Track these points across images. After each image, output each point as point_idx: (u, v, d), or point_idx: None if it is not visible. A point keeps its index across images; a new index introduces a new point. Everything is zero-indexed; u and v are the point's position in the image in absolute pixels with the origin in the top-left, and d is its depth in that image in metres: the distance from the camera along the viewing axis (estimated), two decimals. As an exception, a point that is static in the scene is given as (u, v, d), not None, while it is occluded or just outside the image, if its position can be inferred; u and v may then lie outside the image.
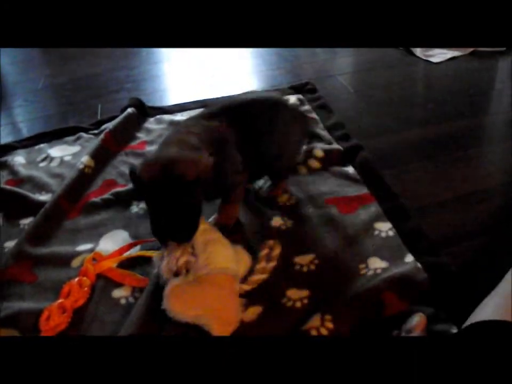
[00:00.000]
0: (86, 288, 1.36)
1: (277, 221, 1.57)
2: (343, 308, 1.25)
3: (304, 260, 1.42)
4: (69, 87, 2.69)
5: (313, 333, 1.19)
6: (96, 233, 1.59)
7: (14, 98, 2.63)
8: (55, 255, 1.52)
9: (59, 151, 2.05)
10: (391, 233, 1.49)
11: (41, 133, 2.19)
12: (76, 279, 1.38)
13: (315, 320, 1.22)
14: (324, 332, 1.19)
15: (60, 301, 1.32)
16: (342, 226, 1.52)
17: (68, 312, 1.30)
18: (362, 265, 1.39)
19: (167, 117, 2.22)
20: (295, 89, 2.40)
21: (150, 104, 2.36)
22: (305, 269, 1.39)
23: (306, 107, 2.22)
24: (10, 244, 1.58)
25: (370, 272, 1.35)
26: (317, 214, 1.58)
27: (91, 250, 1.52)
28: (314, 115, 2.14)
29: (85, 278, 1.38)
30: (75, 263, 1.48)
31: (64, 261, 1.49)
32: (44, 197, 1.76)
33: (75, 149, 2.05)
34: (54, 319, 1.27)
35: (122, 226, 1.61)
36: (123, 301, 1.34)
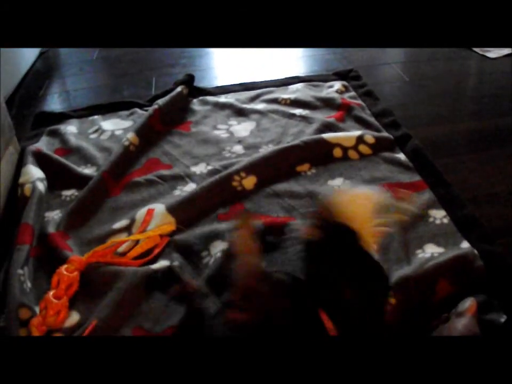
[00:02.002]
0: (75, 273, 1.28)
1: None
2: (399, 288, 1.19)
3: (360, 243, 1.36)
4: (124, 59, 2.64)
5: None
6: (134, 211, 1.52)
7: (69, 67, 2.60)
8: (93, 233, 1.48)
9: (111, 125, 2.00)
10: (445, 220, 1.42)
11: (97, 105, 2.14)
12: (62, 267, 1.29)
13: None
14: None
15: (52, 292, 1.24)
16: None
17: (64, 300, 1.23)
18: (419, 250, 1.32)
19: (211, 99, 2.14)
20: (339, 76, 2.31)
21: (202, 80, 2.32)
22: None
23: (352, 93, 2.14)
24: (50, 214, 1.54)
25: (428, 255, 1.29)
26: (371, 199, 1.53)
27: (127, 227, 1.47)
28: (360, 101, 2.06)
29: (69, 264, 1.30)
30: (109, 241, 1.41)
31: (99, 239, 1.45)
32: (88, 170, 1.72)
33: (127, 123, 1.99)
34: (52, 307, 1.20)
35: (162, 202, 1.53)
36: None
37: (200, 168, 1.70)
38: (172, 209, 1.48)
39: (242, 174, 1.61)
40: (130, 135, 1.82)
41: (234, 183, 1.58)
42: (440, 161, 1.68)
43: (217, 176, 1.59)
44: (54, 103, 2.27)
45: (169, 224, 1.44)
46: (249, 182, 1.60)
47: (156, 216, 1.47)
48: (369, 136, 1.76)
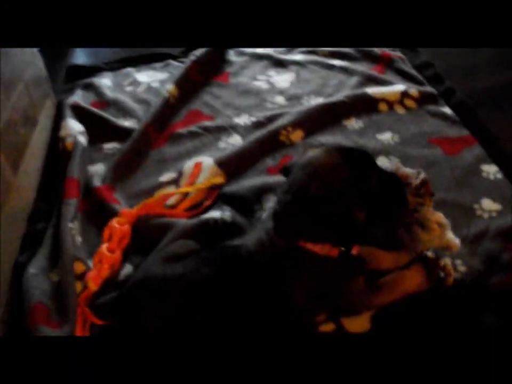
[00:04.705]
0: (126, 226, 1.25)
1: (382, 161, 1.46)
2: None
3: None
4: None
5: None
6: (180, 164, 1.50)
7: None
8: (140, 185, 1.46)
9: (146, 77, 1.94)
10: (499, 176, 1.38)
11: (129, 57, 2.07)
12: (113, 220, 1.27)
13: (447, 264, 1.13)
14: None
15: (105, 245, 1.22)
16: (448, 167, 1.41)
17: (117, 253, 1.21)
18: (476, 206, 1.29)
19: (247, 49, 2.05)
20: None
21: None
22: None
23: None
24: (93, 168, 1.51)
25: (486, 215, 1.26)
26: (421, 153, 1.47)
27: (174, 180, 1.45)
28: (400, 53, 1.97)
29: (120, 217, 1.28)
30: (157, 194, 1.39)
31: (146, 191, 1.43)
32: (128, 123, 1.68)
33: (163, 75, 1.94)
34: (106, 260, 1.18)
35: (208, 155, 1.51)
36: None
37: (243, 120, 1.67)
38: (220, 163, 1.45)
39: (289, 129, 1.57)
40: (170, 87, 1.77)
41: (282, 137, 1.55)
42: (483, 113, 1.63)
43: (264, 131, 1.56)
44: (84, 56, 2.21)
45: (219, 177, 1.41)
46: (297, 135, 1.57)
47: (204, 169, 1.44)
48: (414, 90, 1.71)
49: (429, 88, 1.75)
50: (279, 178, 1.36)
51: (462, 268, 1.13)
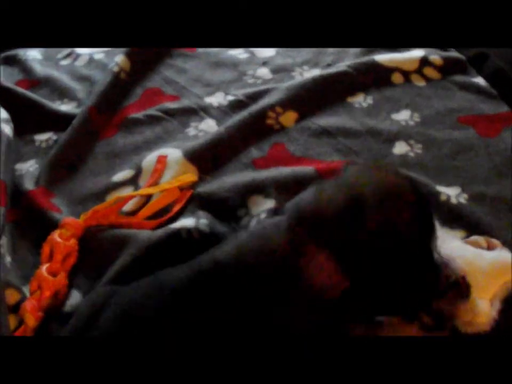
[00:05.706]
0: (71, 241, 1.24)
1: (401, 147, 1.47)
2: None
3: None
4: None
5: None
6: (138, 158, 1.49)
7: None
8: (86, 187, 1.45)
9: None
10: (554, 165, 1.39)
11: (64, 22, 2.10)
12: (55, 234, 1.26)
13: None
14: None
15: (44, 266, 1.21)
16: (485, 153, 1.43)
17: (61, 276, 1.19)
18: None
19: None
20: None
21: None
22: (454, 200, 1.30)
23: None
24: (23, 166, 1.51)
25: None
26: (450, 136, 1.48)
27: (132, 179, 1.44)
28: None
29: (63, 229, 1.26)
30: (110, 198, 1.38)
31: (95, 195, 1.42)
32: (66, 107, 1.68)
33: (109, 44, 1.94)
34: (48, 286, 1.16)
35: (174, 146, 1.50)
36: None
37: (217, 99, 1.67)
38: (191, 155, 1.45)
39: (278, 109, 1.57)
40: (120, 59, 1.76)
41: (269, 121, 1.55)
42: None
43: (245, 113, 1.56)
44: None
45: (190, 173, 1.41)
46: (288, 118, 1.57)
47: (171, 164, 1.44)
48: (436, 57, 1.73)
49: (454, 54, 1.77)
50: (268, 173, 1.38)
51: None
